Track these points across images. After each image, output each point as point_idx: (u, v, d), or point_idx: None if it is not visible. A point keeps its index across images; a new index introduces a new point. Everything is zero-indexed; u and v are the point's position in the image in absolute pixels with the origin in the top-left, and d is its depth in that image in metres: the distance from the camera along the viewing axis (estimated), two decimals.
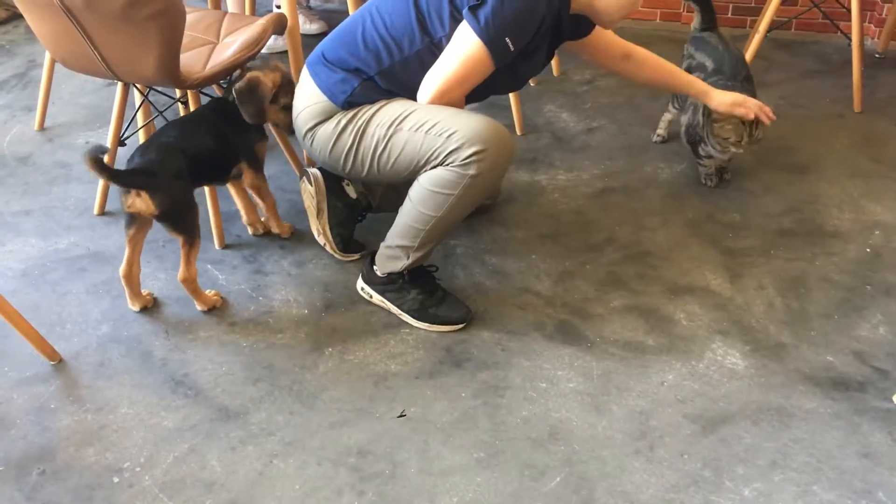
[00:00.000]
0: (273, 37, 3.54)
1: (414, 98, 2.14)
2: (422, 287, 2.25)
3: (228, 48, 2.48)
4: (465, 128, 2.05)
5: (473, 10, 2.02)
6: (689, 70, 2.80)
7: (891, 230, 2.56)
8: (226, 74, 2.47)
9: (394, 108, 2.14)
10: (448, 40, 2.08)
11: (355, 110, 2.17)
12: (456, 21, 2.07)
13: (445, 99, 2.10)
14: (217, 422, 1.99)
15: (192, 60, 2.45)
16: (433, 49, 2.10)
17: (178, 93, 2.63)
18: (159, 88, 2.80)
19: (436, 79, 2.08)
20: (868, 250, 2.49)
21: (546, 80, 3.51)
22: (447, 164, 2.06)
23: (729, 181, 2.82)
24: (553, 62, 3.55)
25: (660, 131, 3.04)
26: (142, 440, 1.95)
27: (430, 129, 2.08)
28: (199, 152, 2.26)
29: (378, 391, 2.07)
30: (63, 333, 2.27)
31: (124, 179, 2.18)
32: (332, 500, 1.81)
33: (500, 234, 2.61)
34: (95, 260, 2.55)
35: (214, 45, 2.56)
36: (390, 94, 2.17)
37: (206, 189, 2.54)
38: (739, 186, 2.80)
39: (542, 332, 2.24)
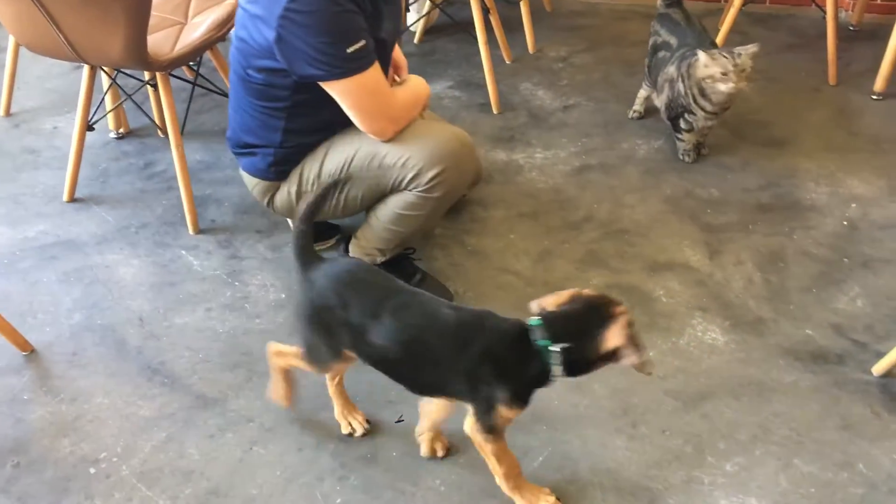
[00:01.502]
0: None
1: (328, 124, 2.08)
2: (400, 271, 2.22)
3: (197, 28, 2.43)
4: (418, 151, 2.01)
5: (304, 75, 1.90)
6: (656, 47, 2.80)
7: (867, 203, 2.56)
8: (195, 55, 2.42)
9: (338, 156, 2.08)
10: (293, 79, 1.95)
11: (297, 173, 2.13)
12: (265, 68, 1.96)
13: (389, 124, 2.01)
14: (195, 409, 1.96)
15: (160, 42, 2.39)
16: (296, 92, 1.99)
17: (147, 75, 2.57)
18: (128, 71, 2.74)
19: (366, 129, 2.01)
20: (845, 223, 2.49)
21: (521, 58, 3.48)
22: (411, 189, 2.04)
23: (706, 156, 2.81)
24: (528, 39, 3.52)
25: (636, 107, 3.02)
26: (118, 430, 1.92)
27: (382, 162, 2.03)
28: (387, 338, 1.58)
29: (358, 375, 2.03)
30: (34, 323, 2.22)
31: None
32: (314, 485, 1.79)
33: (478, 215, 2.59)
34: (66, 248, 2.49)
35: (183, 25, 2.51)
36: (309, 142, 2.11)
37: (180, 171, 2.49)
38: (717, 161, 2.79)
39: (523, 312, 2.22)
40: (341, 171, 2.08)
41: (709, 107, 2.58)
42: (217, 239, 2.52)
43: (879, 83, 3.05)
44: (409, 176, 2.02)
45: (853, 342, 2.09)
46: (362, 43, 1.89)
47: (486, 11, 3.14)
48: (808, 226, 2.48)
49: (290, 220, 2.41)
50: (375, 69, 1.95)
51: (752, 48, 2.49)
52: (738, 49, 2.49)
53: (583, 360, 1.51)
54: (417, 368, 1.60)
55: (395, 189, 2.06)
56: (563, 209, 2.60)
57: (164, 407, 1.97)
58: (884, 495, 1.72)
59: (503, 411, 1.56)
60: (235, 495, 1.77)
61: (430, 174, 2.01)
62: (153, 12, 2.39)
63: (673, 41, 2.73)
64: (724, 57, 2.48)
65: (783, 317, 2.17)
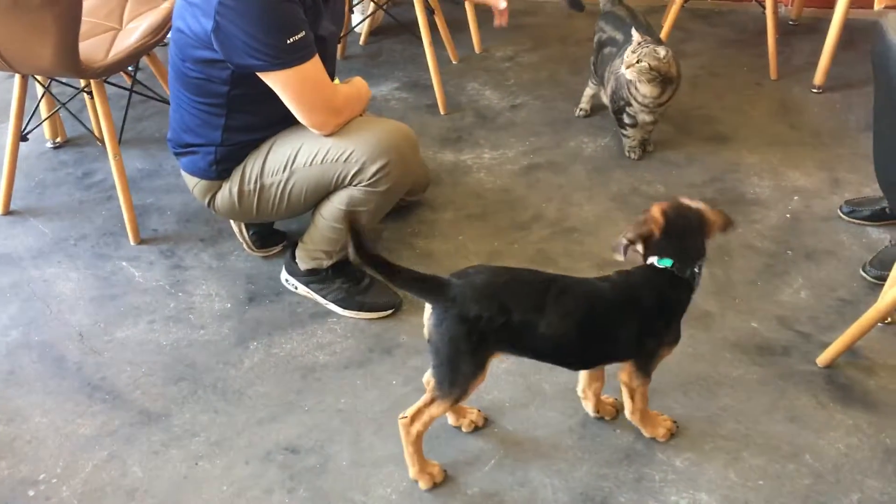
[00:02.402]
0: None
1: (269, 122, 2.05)
2: (347, 275, 2.20)
3: (132, 34, 2.37)
4: (360, 146, 1.99)
5: (242, 65, 1.87)
6: (602, 43, 2.81)
7: (809, 195, 2.60)
8: (131, 62, 2.36)
9: (280, 153, 2.05)
10: (229, 71, 1.93)
11: (239, 172, 2.09)
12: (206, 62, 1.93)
13: (330, 117, 2.00)
14: (137, 426, 1.91)
15: (93, 48, 2.33)
16: (234, 86, 1.96)
17: (82, 83, 2.50)
18: (62, 79, 2.67)
19: (307, 122, 1.99)
20: (788, 216, 2.52)
21: (468, 58, 3.47)
22: (356, 184, 2.01)
23: (652, 153, 2.82)
24: (474, 39, 3.51)
25: (583, 105, 3.03)
26: (58, 450, 1.86)
27: (324, 158, 2.00)
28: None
29: (307, 384, 2.02)
30: None
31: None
32: (262, 499, 1.75)
33: (427, 217, 2.57)
34: (1, 262, 2.41)
35: (117, 31, 2.45)
36: (250, 140, 2.07)
37: (118, 180, 2.43)
38: (663, 158, 2.81)
39: None
40: (284, 168, 2.04)
41: (639, 97, 2.59)
42: (160, 249, 2.46)
43: (819, 77, 3.10)
44: (353, 171, 2.00)
45: (798, 333, 2.11)
46: (302, 34, 1.87)
47: (430, 12, 3.12)
48: (751, 219, 2.51)
49: (233, 223, 2.36)
50: (316, 62, 1.93)
51: (659, 51, 2.50)
52: (651, 45, 2.51)
53: (704, 258, 1.70)
54: (590, 343, 1.69)
55: (339, 185, 2.03)
56: (511, 209, 2.60)
57: (106, 424, 1.92)
58: (830, 485, 1.74)
59: (666, 351, 1.75)
60: None
61: (374, 168, 1.99)
62: (86, 18, 2.33)
63: (619, 36, 2.74)
64: (638, 44, 2.52)
65: (729, 310, 2.19)
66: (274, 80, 1.91)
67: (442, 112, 3.08)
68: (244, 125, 2.05)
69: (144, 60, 2.64)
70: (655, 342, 1.72)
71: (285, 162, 2.04)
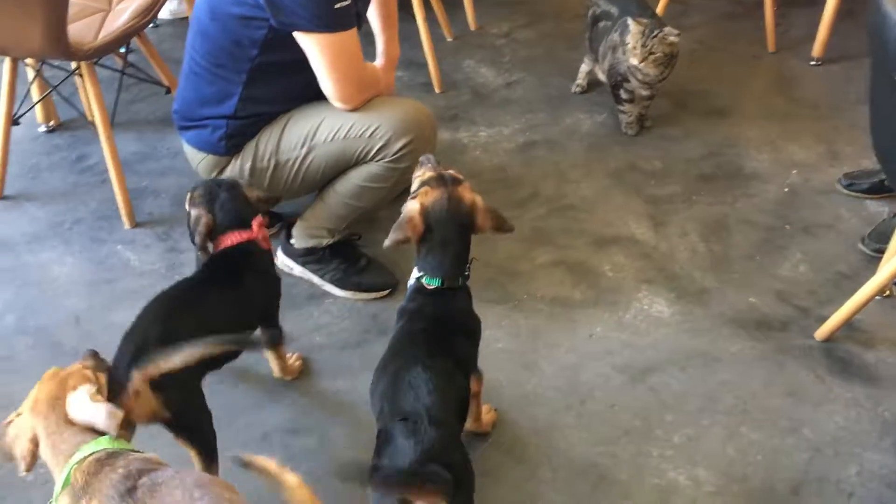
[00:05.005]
0: (177, 0, 3.39)
1: (287, 95, 2.03)
2: (344, 256, 2.19)
3: (121, 15, 2.34)
4: (385, 121, 1.97)
5: (285, 23, 1.84)
6: (596, 18, 2.77)
7: (808, 169, 2.58)
8: (121, 43, 2.34)
9: (298, 128, 2.03)
10: (264, 32, 1.89)
11: (252, 148, 2.06)
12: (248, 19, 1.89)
13: (357, 92, 1.97)
14: None
15: (82, 30, 2.31)
16: (263, 51, 1.93)
17: (73, 65, 2.48)
18: (53, 62, 2.64)
19: (335, 92, 1.95)
20: (786, 190, 2.51)
21: (463, 35, 3.43)
22: (378, 160, 1.99)
23: (650, 128, 2.80)
24: (469, 16, 3.48)
25: (579, 81, 3.00)
26: None
27: (348, 133, 1.98)
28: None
29: (304, 365, 2.01)
30: None
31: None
32: (256, 480, 1.75)
33: None
34: None
35: (107, 12, 2.42)
36: (265, 112, 2.04)
37: (111, 164, 2.41)
38: (660, 133, 2.78)
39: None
40: (303, 144, 2.02)
41: (639, 75, 2.57)
42: (155, 232, 2.45)
43: (817, 49, 3.07)
44: (378, 146, 1.98)
45: (796, 308, 2.11)
46: (349, 2, 1.86)
47: None
48: (749, 193, 2.49)
49: None
50: (354, 34, 1.92)
51: (670, 36, 2.48)
52: (658, 30, 2.48)
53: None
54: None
55: (360, 161, 2.01)
56: (508, 187, 2.58)
57: None
58: (829, 459, 1.74)
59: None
60: None
61: (399, 144, 1.97)
62: (74, 0, 2.31)
63: (613, 10, 2.71)
64: (642, 34, 2.49)
65: (727, 286, 2.18)
66: (312, 43, 1.87)
67: (437, 90, 3.06)
68: (261, 97, 2.01)
69: (136, 42, 2.62)
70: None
71: (304, 137, 2.02)
